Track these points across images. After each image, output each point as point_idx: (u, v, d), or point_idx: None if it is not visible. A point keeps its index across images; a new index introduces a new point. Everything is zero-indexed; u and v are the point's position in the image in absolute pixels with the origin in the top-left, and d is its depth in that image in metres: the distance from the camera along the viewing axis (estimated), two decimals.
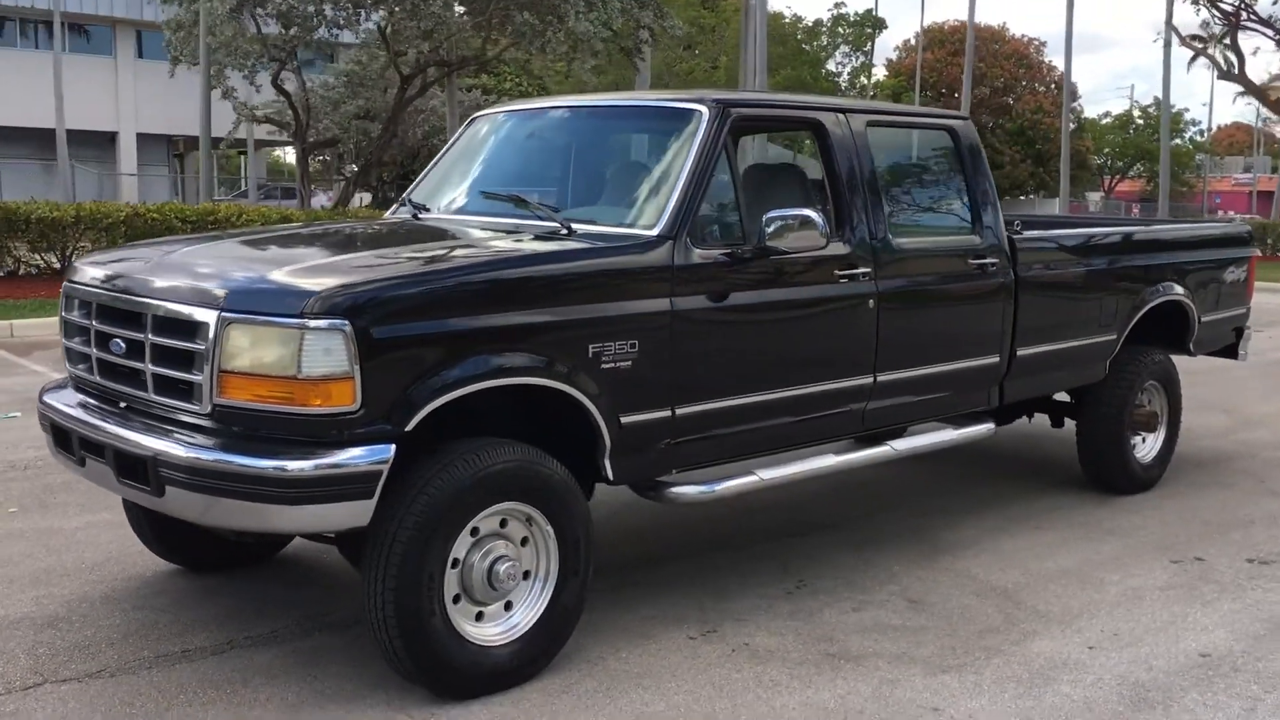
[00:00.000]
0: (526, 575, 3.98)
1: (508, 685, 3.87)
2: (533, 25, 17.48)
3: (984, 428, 5.68)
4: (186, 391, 3.66)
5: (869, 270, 4.88)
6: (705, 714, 3.78)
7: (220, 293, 3.60)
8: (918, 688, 4.00)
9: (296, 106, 20.41)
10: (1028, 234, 5.83)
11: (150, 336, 3.76)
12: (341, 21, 18.73)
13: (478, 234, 4.57)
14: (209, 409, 3.58)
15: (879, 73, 57.43)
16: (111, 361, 3.98)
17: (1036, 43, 56.92)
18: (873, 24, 52.82)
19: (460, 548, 3.77)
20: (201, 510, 3.61)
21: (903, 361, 5.09)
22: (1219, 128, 76.41)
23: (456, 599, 3.80)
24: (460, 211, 5.08)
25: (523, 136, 5.40)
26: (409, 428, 3.59)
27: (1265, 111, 48.66)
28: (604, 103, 5.34)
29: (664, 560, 5.29)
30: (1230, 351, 7.35)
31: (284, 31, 18.57)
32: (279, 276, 3.65)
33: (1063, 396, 6.60)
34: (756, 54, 20.84)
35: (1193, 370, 8.70)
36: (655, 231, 4.27)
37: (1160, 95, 37.41)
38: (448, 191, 5.30)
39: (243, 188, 39.88)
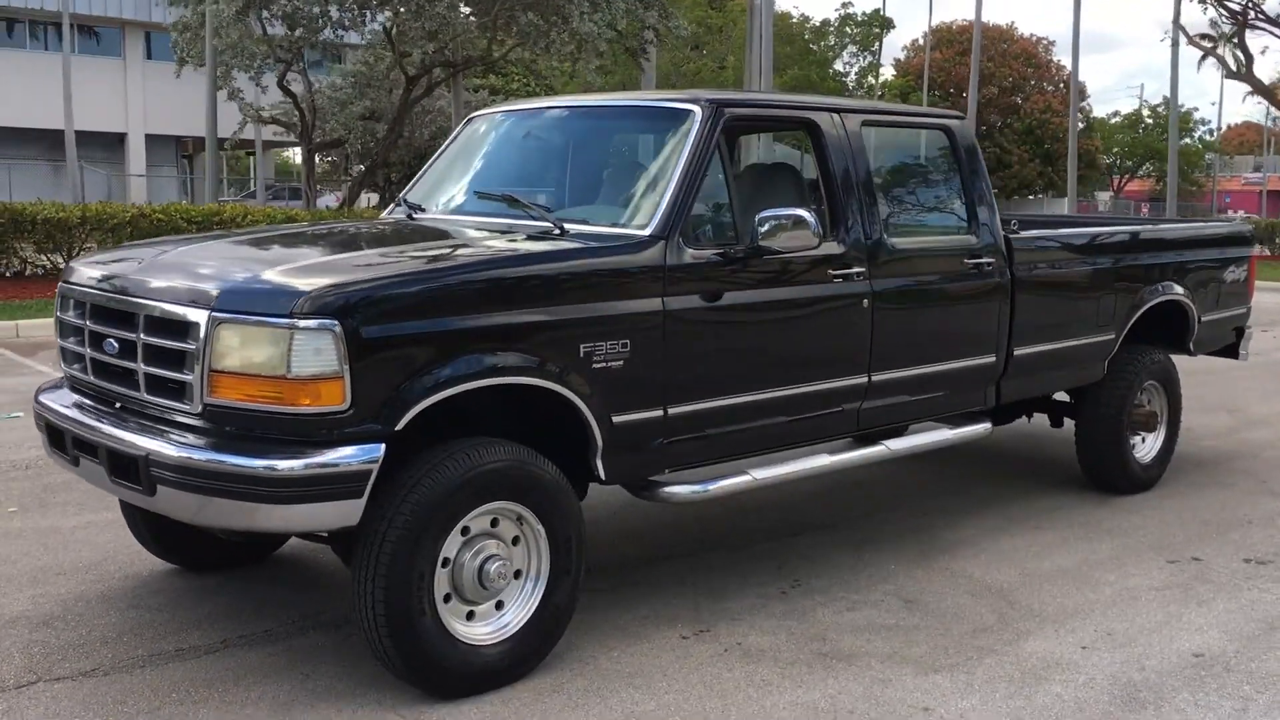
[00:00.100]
0: (518, 574, 3.99)
1: (499, 685, 3.88)
2: (537, 26, 17.51)
3: (980, 428, 5.67)
4: (178, 391, 3.67)
5: (863, 270, 4.88)
6: (695, 713, 3.78)
7: (211, 293, 3.61)
8: (909, 687, 4.00)
9: (302, 107, 20.45)
10: (1024, 234, 5.83)
11: (142, 336, 3.78)
12: (347, 23, 18.78)
13: (471, 234, 4.58)
14: (200, 409, 3.60)
15: (887, 73, 57.42)
16: (105, 361, 4.00)
17: (1045, 42, 56.89)
18: (880, 24, 52.75)
19: (451, 547, 3.78)
20: (192, 509, 3.63)
21: (898, 361, 5.09)
22: (1229, 127, 76.15)
23: (447, 598, 3.81)
24: (455, 211, 5.09)
25: (518, 137, 5.41)
26: (399, 427, 3.60)
27: (1275, 111, 48.47)
28: (599, 103, 5.35)
29: (660, 560, 5.30)
30: (1231, 351, 7.33)
31: (289, 33, 18.61)
32: (269, 276, 3.67)
33: (1062, 396, 6.59)
34: (762, 54, 20.84)
35: (1196, 370, 8.70)
36: (647, 231, 4.28)
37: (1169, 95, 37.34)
38: (443, 192, 5.32)
39: (251, 188, 39.99)
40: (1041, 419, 6.80)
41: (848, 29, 52.96)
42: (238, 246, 4.50)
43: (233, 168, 50.34)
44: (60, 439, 4.14)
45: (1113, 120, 65.46)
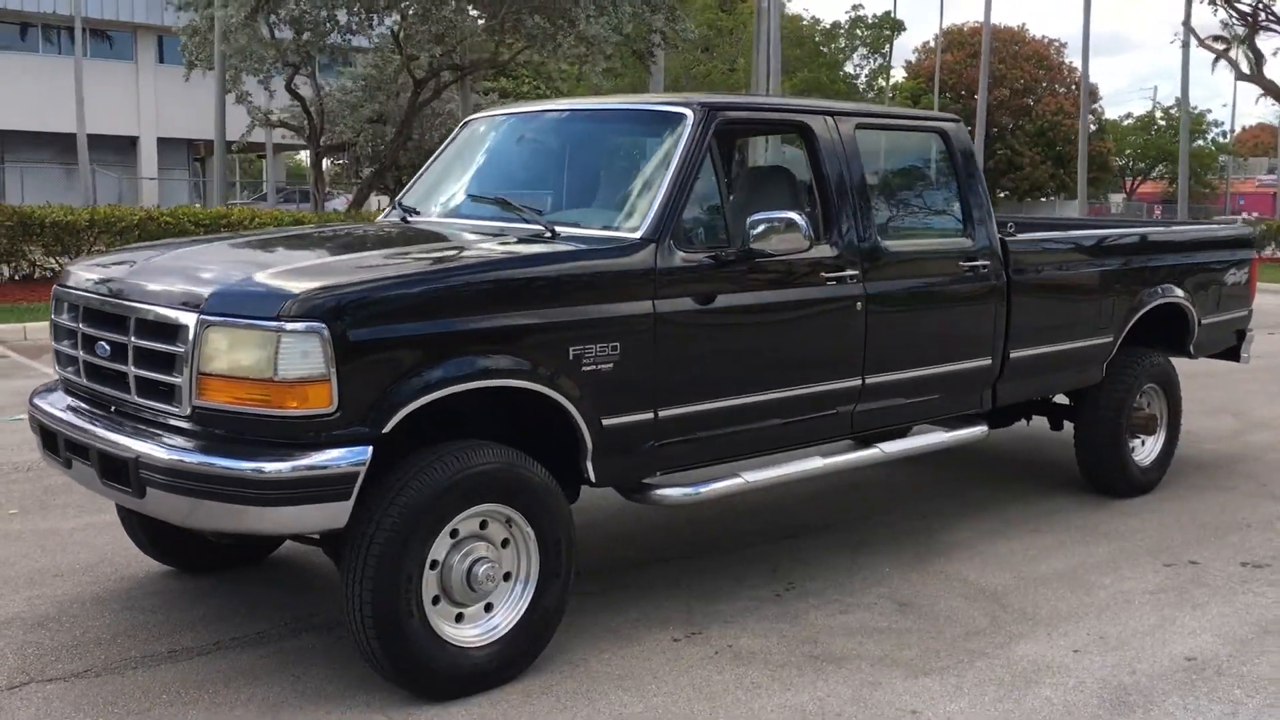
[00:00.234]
0: (507, 577, 4.00)
1: (488, 687, 3.89)
2: (544, 29, 17.55)
3: (976, 430, 5.66)
4: (168, 394, 3.69)
5: (856, 273, 4.88)
6: (683, 715, 3.78)
7: (199, 296, 3.63)
8: (898, 690, 4.00)
9: (310, 111, 20.53)
10: (1020, 236, 5.82)
11: (133, 339, 3.80)
12: (354, 27, 18.85)
13: (463, 237, 4.59)
14: (189, 411, 3.62)
15: (898, 75, 57.35)
16: (98, 365, 4.02)
17: (1057, 44, 56.79)
18: (891, 26, 52.69)
19: (439, 549, 3.79)
20: (181, 512, 3.64)
21: (892, 364, 5.09)
22: (1243, 129, 75.80)
23: (436, 600, 3.82)
24: (450, 215, 5.11)
25: (513, 140, 5.42)
26: (386, 430, 3.61)
27: None
28: (593, 106, 5.36)
29: (654, 563, 5.30)
30: (1232, 354, 7.30)
31: (297, 37, 18.69)
32: (257, 280, 3.69)
33: (1062, 399, 6.58)
34: (770, 57, 20.84)
35: (1201, 373, 8.68)
36: (638, 234, 4.28)
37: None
38: (439, 195, 5.33)
39: (263, 191, 40.13)
40: (1041, 422, 6.79)
41: (858, 31, 52.96)
42: (229, 250, 4.53)
43: (246, 171, 50.53)
44: (53, 441, 4.16)
45: (1125, 122, 65.27)
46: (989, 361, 5.56)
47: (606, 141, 5.17)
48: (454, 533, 3.82)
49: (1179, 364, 6.91)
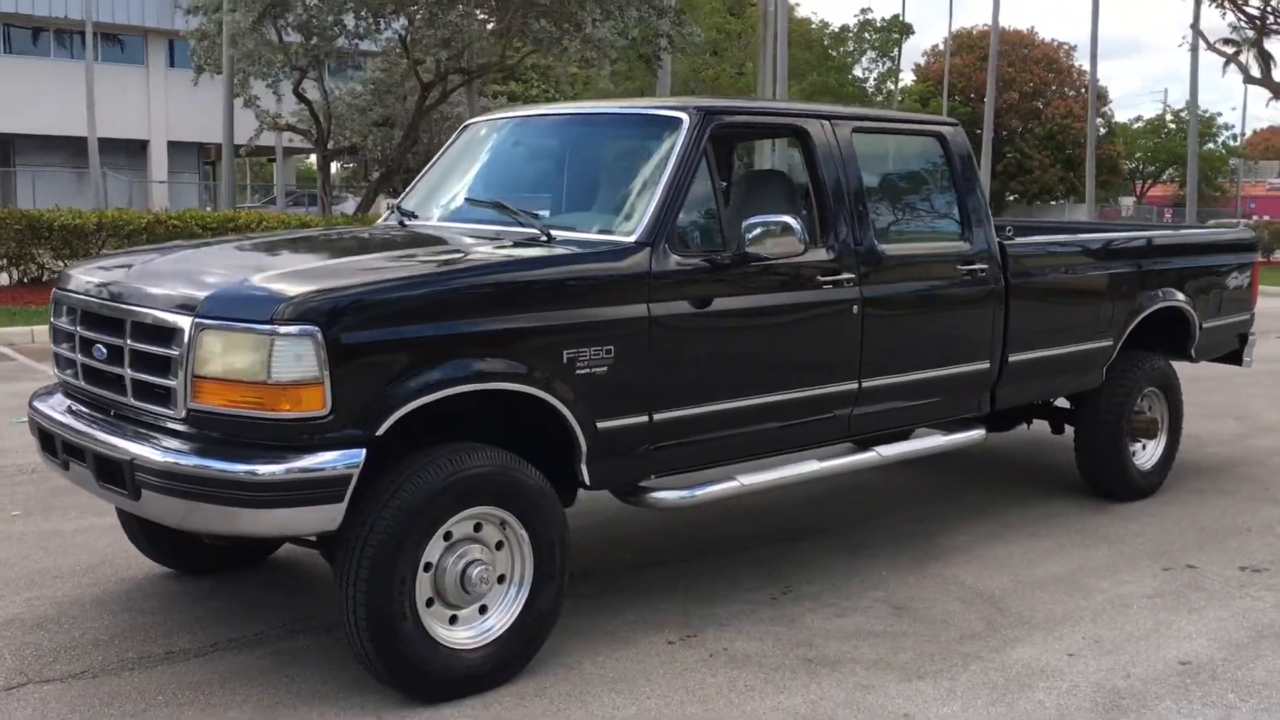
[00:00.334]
0: (501, 579, 4.01)
1: (481, 689, 3.90)
2: (550, 33, 17.59)
3: (974, 434, 5.66)
4: (164, 397, 3.72)
5: (853, 276, 4.89)
6: (675, 718, 3.79)
7: (194, 299, 3.66)
8: (891, 693, 4.00)
9: (318, 114, 20.59)
10: (1019, 240, 5.82)
11: (129, 342, 3.83)
12: (361, 31, 18.91)
13: (458, 241, 4.61)
14: (184, 414, 3.64)
15: (907, 78, 57.31)
16: (95, 367, 4.05)
17: (1066, 47, 56.65)
18: (899, 29, 52.64)
19: (433, 551, 3.81)
20: (174, 513, 3.67)
21: (889, 367, 5.10)
22: (1254, 132, 75.51)
23: (430, 602, 3.83)
24: (446, 218, 5.13)
25: (511, 144, 5.44)
26: (380, 432, 3.63)
27: None
28: (590, 110, 5.39)
29: (652, 566, 5.31)
30: (1235, 358, 7.29)
31: (305, 41, 18.75)
32: (252, 283, 3.71)
33: (1063, 403, 6.57)
34: (777, 61, 20.85)
35: (1206, 377, 8.66)
36: (633, 238, 4.30)
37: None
38: (436, 199, 5.36)
39: (273, 194, 40.26)
40: (1042, 425, 6.78)
41: (867, 34, 52.90)
42: (226, 253, 4.55)
43: (257, 174, 50.68)
44: (51, 443, 4.20)
45: (1135, 125, 65.10)
46: (987, 365, 5.56)
47: (604, 145, 5.18)
48: (448, 535, 3.84)
49: (1182, 368, 6.91)
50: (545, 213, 4.86)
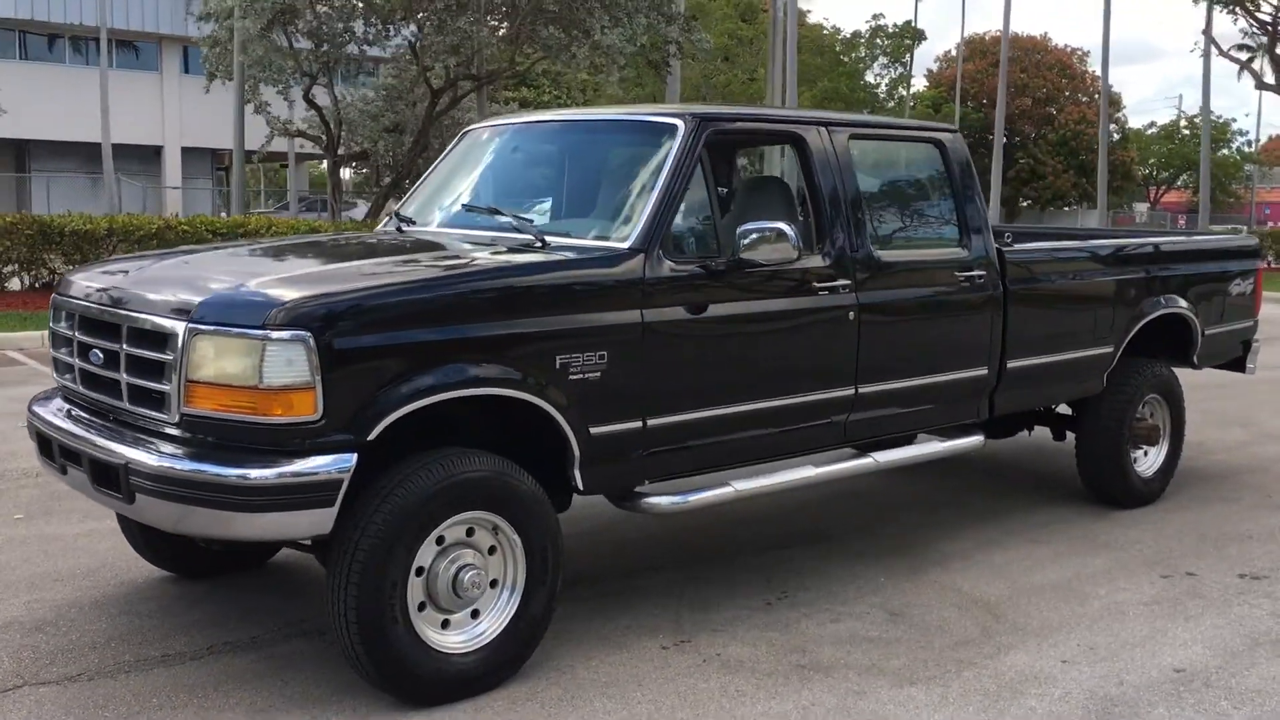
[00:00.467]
0: (494, 584, 4.03)
1: (473, 693, 3.92)
2: (559, 39, 17.65)
3: (973, 440, 5.66)
4: (158, 401, 3.74)
5: (849, 282, 4.89)
6: None
7: (188, 305, 3.68)
8: (883, 699, 4.00)
9: (328, 120, 20.70)
10: (1018, 247, 5.82)
11: (125, 347, 3.86)
12: (371, 38, 19.01)
13: (453, 246, 4.63)
14: (178, 418, 3.67)
15: (919, 84, 57.25)
16: (93, 372, 4.08)
17: (1079, 53, 56.60)
18: (911, 35, 52.60)
19: (425, 556, 3.82)
20: (168, 517, 3.69)
21: (886, 373, 5.10)
22: (1269, 138, 75.25)
23: (421, 606, 3.85)
24: (444, 224, 5.15)
25: (510, 150, 5.47)
26: (371, 437, 3.65)
27: None
28: (588, 117, 5.40)
29: (648, 571, 5.32)
30: (1238, 365, 7.27)
31: (315, 48, 18.86)
32: (245, 288, 3.74)
33: (1064, 409, 6.56)
34: (786, 67, 20.86)
35: (1211, 384, 8.63)
36: (627, 244, 4.31)
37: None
38: (435, 204, 5.38)
39: (286, 200, 40.43)
40: (1043, 432, 6.77)
41: (879, 40, 52.86)
42: (223, 259, 4.58)
43: (271, 179, 50.85)
44: (49, 448, 4.22)
45: (1149, 131, 64.94)
46: (985, 371, 5.56)
47: (601, 152, 5.20)
48: (440, 540, 3.86)
49: (1186, 375, 6.89)
50: (542, 219, 4.88)
